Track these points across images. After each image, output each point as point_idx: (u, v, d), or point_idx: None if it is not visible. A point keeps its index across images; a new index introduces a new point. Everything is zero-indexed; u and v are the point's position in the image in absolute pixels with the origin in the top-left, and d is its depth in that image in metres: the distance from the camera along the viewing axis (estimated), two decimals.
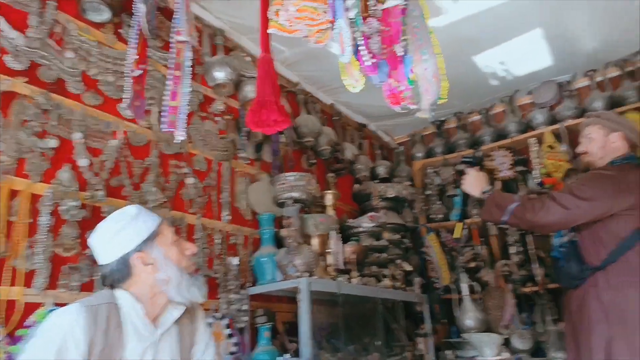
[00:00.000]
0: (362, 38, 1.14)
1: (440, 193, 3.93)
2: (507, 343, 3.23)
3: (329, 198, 2.90)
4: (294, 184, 2.43)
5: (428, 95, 1.12)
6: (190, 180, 2.31)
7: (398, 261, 3.32)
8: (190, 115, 2.40)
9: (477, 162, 2.30)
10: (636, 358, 1.75)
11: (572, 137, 3.41)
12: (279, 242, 2.54)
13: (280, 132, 2.84)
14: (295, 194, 2.43)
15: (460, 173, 3.77)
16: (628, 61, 3.33)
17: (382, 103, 1.47)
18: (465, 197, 2.35)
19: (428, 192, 3.93)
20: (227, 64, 2.50)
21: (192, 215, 2.29)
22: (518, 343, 3.20)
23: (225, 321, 2.28)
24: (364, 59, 1.12)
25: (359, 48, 1.14)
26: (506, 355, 2.24)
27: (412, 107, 1.17)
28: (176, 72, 1.61)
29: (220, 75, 2.47)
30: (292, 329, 2.51)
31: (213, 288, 2.29)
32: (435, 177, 3.93)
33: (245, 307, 2.37)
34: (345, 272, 2.71)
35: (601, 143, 2.09)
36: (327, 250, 2.65)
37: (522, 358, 3.18)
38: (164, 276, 1.29)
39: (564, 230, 2.08)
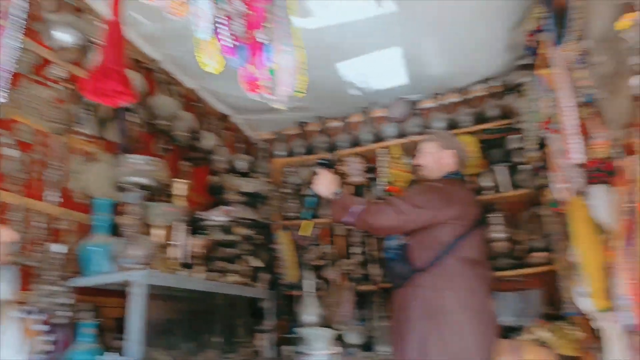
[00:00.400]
0: (224, 17, 1.07)
1: (296, 192, 4.01)
2: (342, 338, 3.43)
3: (180, 187, 2.73)
4: (140, 168, 2.23)
5: (285, 86, 1.11)
6: (9, 152, 1.95)
7: (247, 257, 3.29)
8: (17, 76, 2.04)
9: (331, 165, 2.38)
10: (445, 354, 1.95)
11: (415, 151, 3.78)
12: (115, 231, 2.30)
13: (131, 111, 2.59)
14: (141, 179, 2.23)
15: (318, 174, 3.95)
16: (467, 90, 3.80)
17: (247, 95, 1.42)
18: (319, 197, 2.42)
19: (285, 191, 3.98)
20: (72, 25, 2.17)
21: (8, 192, 1.94)
22: (351, 338, 3.42)
23: (41, 316, 1.98)
24: (223, 39, 1.05)
25: (220, 27, 1.07)
26: (337, 349, 2.36)
27: (269, 96, 1.14)
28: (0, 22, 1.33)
29: (63, 36, 2.13)
30: (124, 326, 2.29)
31: (29, 278, 1.97)
32: (294, 176, 4.00)
33: (66, 300, 2.08)
34: (190, 266, 2.59)
35: (435, 158, 2.33)
36: (171, 243, 2.50)
37: (353, 352, 3.40)
38: None
39: (398, 234, 2.26)
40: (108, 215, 2.30)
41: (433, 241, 2.11)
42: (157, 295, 2.44)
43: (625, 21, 1.21)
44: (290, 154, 4.11)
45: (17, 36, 1.49)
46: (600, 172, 1.76)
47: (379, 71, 3.46)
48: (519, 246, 3.35)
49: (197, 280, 2.51)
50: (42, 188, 2.11)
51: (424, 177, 2.39)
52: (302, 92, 1.12)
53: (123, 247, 2.10)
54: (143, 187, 2.25)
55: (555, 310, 3.10)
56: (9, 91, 1.49)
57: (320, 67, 3.27)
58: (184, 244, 2.49)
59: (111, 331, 2.28)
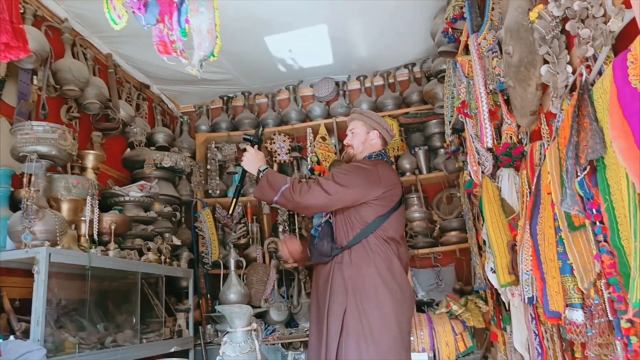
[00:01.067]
0: None
1: (220, 169, 3.90)
2: (265, 315, 3.44)
3: (90, 159, 2.53)
4: (42, 136, 2.02)
5: (200, 50, 1.04)
6: None
7: (167, 235, 3.16)
8: None
9: (257, 142, 2.33)
10: (364, 325, 2.02)
11: (340, 132, 3.82)
12: (16, 205, 2.09)
13: (33, 72, 2.33)
14: (42, 148, 2.03)
15: (244, 151, 3.85)
16: (390, 74, 3.88)
17: (168, 64, 1.32)
18: (243, 174, 2.38)
19: (208, 167, 3.85)
20: None
21: None
22: (275, 315, 3.44)
23: None
24: None
25: None
26: (255, 325, 2.35)
27: (183, 60, 1.07)
28: None
29: None
30: (27, 307, 2.11)
31: None
32: (218, 152, 3.88)
33: None
34: (102, 243, 2.43)
35: (362, 139, 2.36)
36: (80, 218, 2.32)
37: (276, 329, 3.43)
38: None
39: (324, 212, 2.28)
40: (7, 187, 2.08)
41: (357, 220, 2.15)
42: (66, 274, 2.27)
43: (536, 12, 1.28)
44: (214, 129, 3.98)
45: None
46: (509, 156, 1.87)
47: (307, 48, 3.43)
48: (435, 226, 3.53)
49: (111, 259, 2.37)
50: None
51: (350, 157, 2.41)
52: (215, 57, 1.06)
53: (24, 222, 1.91)
54: (44, 156, 2.05)
55: (467, 285, 3.33)
56: None
57: (247, 40, 3.18)
58: (95, 219, 2.32)
59: (10, 312, 2.08)
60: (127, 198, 2.74)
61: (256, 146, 2.30)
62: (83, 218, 2.31)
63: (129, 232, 2.73)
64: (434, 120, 3.58)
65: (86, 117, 2.85)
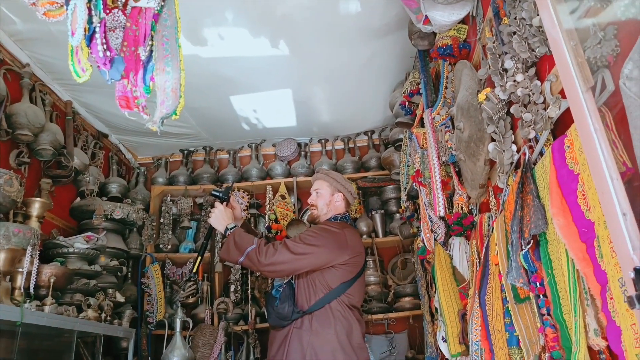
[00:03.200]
0: (100, 26, 0.99)
1: (174, 223, 3.80)
2: None
3: (36, 207, 2.41)
4: None
5: (163, 107, 1.05)
6: None
7: (110, 290, 2.98)
8: None
9: (226, 199, 2.30)
10: None
11: (301, 191, 3.86)
12: None
13: None
14: None
15: (202, 205, 3.80)
16: (350, 139, 4.02)
17: (130, 115, 1.32)
18: (210, 231, 2.33)
19: (162, 221, 3.74)
20: None
21: None
22: None
23: None
24: (97, 48, 0.97)
25: (94, 35, 0.99)
26: None
27: (145, 116, 1.07)
28: None
29: None
30: None
31: None
32: (173, 206, 3.79)
33: None
34: (39, 297, 2.26)
35: (327, 200, 2.38)
36: (17, 269, 2.17)
37: None
38: None
39: (289, 275, 2.21)
40: None
41: (321, 284, 2.12)
42: None
43: (484, 94, 1.38)
44: (172, 181, 3.92)
45: None
46: (460, 226, 1.93)
47: (271, 109, 3.52)
48: (389, 290, 3.52)
49: (46, 314, 2.19)
50: None
51: (314, 217, 2.40)
52: (177, 115, 1.07)
53: None
54: None
55: (418, 353, 3.29)
56: None
57: (213, 98, 3.23)
58: (34, 271, 2.17)
59: None
60: (70, 249, 2.60)
61: (225, 203, 2.27)
62: (20, 269, 2.15)
63: (69, 287, 2.56)
64: (391, 186, 3.68)
65: (37, 163, 2.75)
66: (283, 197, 3.77)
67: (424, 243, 2.40)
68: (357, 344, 2.10)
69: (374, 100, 3.43)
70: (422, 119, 2.35)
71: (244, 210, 3.80)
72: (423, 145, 2.20)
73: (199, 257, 2.22)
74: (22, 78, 2.66)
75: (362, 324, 2.18)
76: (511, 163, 1.32)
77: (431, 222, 2.18)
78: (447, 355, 2.09)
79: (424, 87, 2.26)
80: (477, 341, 1.66)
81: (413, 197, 2.89)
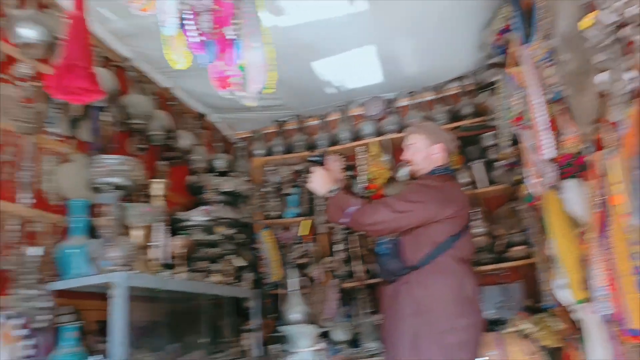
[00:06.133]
0: (191, 13, 1.07)
1: (277, 191, 4.00)
2: (328, 335, 3.44)
3: (158, 187, 2.69)
4: (115, 168, 2.19)
5: (255, 83, 1.11)
6: None
7: (230, 257, 3.27)
8: None
9: (323, 162, 2.31)
10: (439, 350, 1.95)
11: (393, 148, 3.81)
12: (93, 233, 2.27)
13: (104, 110, 2.54)
14: (116, 180, 2.19)
15: (300, 172, 3.95)
16: (440, 88, 3.85)
17: (222, 94, 1.41)
18: (310, 195, 2.37)
19: (265, 189, 3.97)
20: (38, 21, 2.11)
21: None
22: (338, 335, 3.42)
23: (19, 320, 1.94)
24: (190, 34, 1.05)
25: (187, 23, 1.06)
26: (321, 345, 2.35)
27: (239, 93, 1.14)
28: None
29: (28, 33, 2.07)
30: (106, 329, 2.27)
31: (5, 283, 1.93)
32: (273, 175, 3.99)
33: (46, 304, 2.05)
34: (171, 267, 2.56)
35: (425, 154, 2.25)
36: (150, 243, 2.47)
37: (339, 349, 3.41)
38: None
39: (393, 233, 2.19)
40: (84, 217, 2.26)
41: (427, 239, 2.08)
42: (139, 296, 2.41)
43: (588, 20, 1.24)
44: (269, 152, 4.10)
45: None
46: (571, 167, 1.80)
47: (354, 70, 3.48)
48: (498, 241, 3.41)
49: (180, 281, 2.48)
50: (14, 190, 2.06)
51: (413, 173, 2.32)
52: (271, 89, 1.12)
53: (102, 249, 2.06)
54: (118, 187, 2.22)
55: (535, 302, 3.17)
56: None
57: (295, 66, 3.27)
58: (164, 244, 2.46)
59: (93, 334, 2.24)
60: (192, 223, 2.88)
61: (322, 167, 2.27)
62: (154, 243, 2.45)
63: (195, 255, 2.86)
64: (489, 133, 3.49)
65: (152, 148, 3.05)
66: (376, 156, 3.76)
67: (530, 189, 2.27)
68: (469, 297, 2.05)
69: (462, 43, 3.22)
70: (518, 56, 2.17)
71: (339, 173, 3.87)
72: (522, 85, 2.04)
73: (305, 221, 2.30)
74: (129, 72, 2.93)
75: (473, 277, 2.12)
76: (627, 92, 1.19)
77: (536, 166, 2.05)
78: (567, 303, 1.99)
79: (519, 21, 2.07)
80: (602, 286, 1.57)
81: (515, 142, 2.72)
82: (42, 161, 2.23)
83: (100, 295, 2.37)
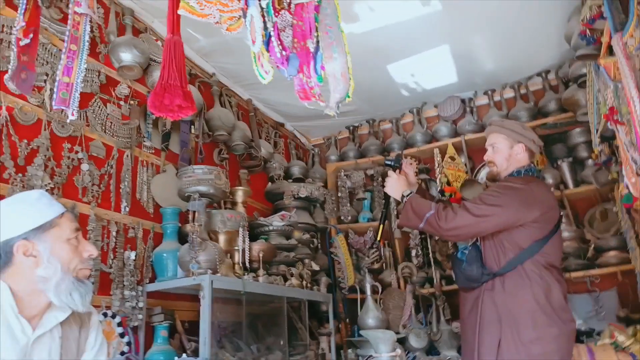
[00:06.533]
0: (274, 29, 1.12)
1: (350, 196, 4.03)
2: (404, 341, 3.40)
3: (240, 194, 2.84)
4: (202, 177, 2.34)
5: (336, 93, 1.14)
6: (85, 167, 2.13)
7: (306, 261, 3.34)
8: (90, 96, 2.23)
9: (399, 166, 2.30)
10: (522, 356, 1.86)
11: (471, 150, 3.70)
12: (182, 238, 2.43)
13: (191, 123, 2.73)
14: (203, 188, 2.34)
15: (373, 177, 3.96)
16: (522, 84, 3.67)
17: (299, 103, 1.46)
18: (387, 200, 2.37)
19: (339, 195, 4.02)
20: (135, 45, 2.34)
21: (85, 204, 2.11)
22: (414, 342, 3.37)
23: (118, 319, 2.14)
24: (275, 50, 1.11)
25: (271, 39, 1.12)
26: (399, 352, 2.33)
27: (321, 103, 1.18)
28: (72, 46, 1.47)
29: (126, 56, 2.30)
30: (193, 329, 2.42)
31: (106, 284, 2.14)
32: (347, 180, 4.03)
33: (141, 304, 2.24)
34: (253, 270, 2.67)
35: (506, 154, 2.16)
36: (234, 248, 2.60)
37: (417, 356, 3.36)
38: (43, 273, 1.17)
39: (473, 238, 2.14)
40: (176, 223, 2.44)
41: (510, 244, 1.99)
42: (221, 298, 2.54)
43: None
44: (343, 158, 4.15)
45: (85, 59, 1.62)
46: None
47: (429, 70, 3.43)
48: (587, 245, 3.18)
49: (260, 284, 2.58)
50: (114, 199, 2.27)
51: (494, 175, 2.23)
52: (350, 98, 1.15)
53: (191, 253, 2.20)
54: (204, 195, 2.37)
55: (633, 312, 2.91)
56: (81, 110, 1.63)
57: (370, 70, 3.29)
58: (246, 248, 2.58)
59: (182, 333, 2.40)
60: (271, 228, 2.99)
61: (397, 170, 2.27)
62: (236, 247, 2.57)
63: (273, 259, 2.96)
64: (578, 129, 3.27)
65: (233, 157, 3.22)
66: (452, 158, 3.67)
67: (628, 189, 2.09)
68: (558, 305, 1.92)
69: (544, 36, 3.05)
70: (610, 46, 2.02)
71: (414, 176, 3.81)
72: (615, 77, 1.89)
73: (381, 225, 2.29)
74: (212, 86, 3.12)
75: (562, 284, 1.99)
76: None
77: (635, 164, 1.89)
78: None
79: (609, 8, 1.92)
80: None
81: (608, 138, 2.52)
82: (139, 172, 2.44)
83: (187, 296, 2.54)
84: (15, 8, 1.89)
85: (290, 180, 3.69)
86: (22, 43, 1.42)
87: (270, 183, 3.59)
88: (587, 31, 2.28)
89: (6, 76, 1.48)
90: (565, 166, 3.32)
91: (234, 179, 3.15)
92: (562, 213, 3.20)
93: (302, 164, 3.94)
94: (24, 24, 1.40)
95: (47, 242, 1.19)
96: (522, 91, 3.67)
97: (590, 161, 3.21)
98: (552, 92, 3.49)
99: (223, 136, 2.95)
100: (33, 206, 1.21)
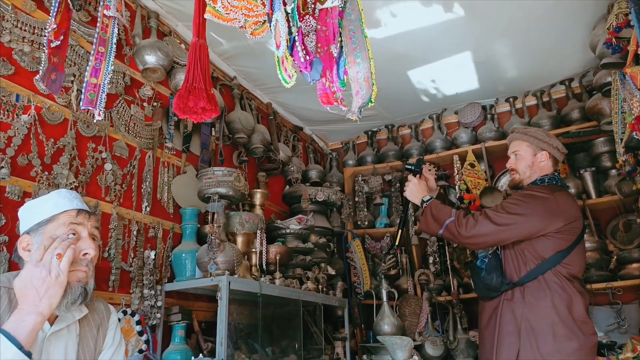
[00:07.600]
0: (298, 34, 1.14)
1: (367, 201, 4.02)
2: (420, 349, 3.36)
3: (258, 197, 2.86)
4: (222, 179, 2.37)
5: (359, 98, 1.14)
6: (108, 166, 2.18)
7: (322, 265, 3.34)
8: (115, 97, 2.28)
9: (419, 171, 2.29)
10: None
11: (491, 157, 3.66)
12: (201, 239, 2.46)
13: (211, 125, 2.76)
14: (222, 190, 2.37)
15: (390, 183, 3.94)
16: (544, 92, 3.62)
17: (318, 107, 1.47)
18: (406, 205, 2.36)
19: (356, 199, 4.01)
20: (159, 48, 2.39)
21: (108, 203, 2.15)
22: (430, 349, 3.34)
23: (137, 317, 2.17)
24: (299, 54, 1.12)
25: (295, 44, 1.13)
26: (417, 358, 2.31)
27: (343, 108, 1.19)
28: (100, 49, 1.51)
29: (150, 59, 2.35)
30: (209, 329, 2.43)
31: (126, 282, 2.17)
32: (364, 185, 4.02)
33: (159, 303, 2.27)
34: (269, 272, 2.69)
35: (529, 162, 2.13)
36: (251, 250, 2.61)
37: None
38: None
39: (494, 246, 2.11)
40: (195, 224, 2.46)
41: (532, 254, 1.96)
42: (241, 300, 2.56)
43: None
44: (360, 162, 4.14)
45: (112, 61, 1.66)
46: None
47: (450, 76, 3.41)
48: (610, 257, 3.11)
49: (278, 287, 2.59)
50: (136, 199, 2.31)
51: (516, 183, 2.19)
52: (373, 103, 1.15)
53: (209, 254, 2.22)
54: (223, 196, 2.39)
55: None
56: (106, 110, 1.67)
57: (391, 76, 3.29)
58: (264, 251, 2.59)
59: (199, 333, 2.42)
60: (288, 231, 3.00)
61: (418, 175, 2.26)
62: (253, 249, 2.59)
63: (290, 262, 2.97)
64: (601, 138, 3.20)
65: (252, 159, 3.24)
66: (472, 165, 3.63)
67: None
68: (579, 318, 1.88)
69: (568, 44, 3.01)
70: (636, 54, 1.98)
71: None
72: None
73: (399, 231, 2.27)
74: (233, 90, 3.15)
75: (584, 296, 1.94)
76: None
77: None
78: None
79: (636, 17, 1.90)
80: None
81: (633, 148, 2.47)
82: (160, 173, 2.47)
83: (205, 297, 2.56)
84: (46, 11, 1.95)
85: (308, 184, 3.70)
86: (53, 45, 1.47)
87: (287, 186, 3.61)
88: (613, 39, 2.25)
89: (37, 77, 1.52)
90: (588, 175, 3.26)
91: (252, 181, 3.17)
92: (585, 222, 3.16)
93: (319, 167, 3.95)
94: (55, 26, 1.44)
95: (40, 237, 1.17)
96: (545, 99, 3.62)
97: (613, 171, 3.15)
98: (576, 101, 3.43)
99: (243, 139, 2.97)
100: (46, 202, 1.22)
